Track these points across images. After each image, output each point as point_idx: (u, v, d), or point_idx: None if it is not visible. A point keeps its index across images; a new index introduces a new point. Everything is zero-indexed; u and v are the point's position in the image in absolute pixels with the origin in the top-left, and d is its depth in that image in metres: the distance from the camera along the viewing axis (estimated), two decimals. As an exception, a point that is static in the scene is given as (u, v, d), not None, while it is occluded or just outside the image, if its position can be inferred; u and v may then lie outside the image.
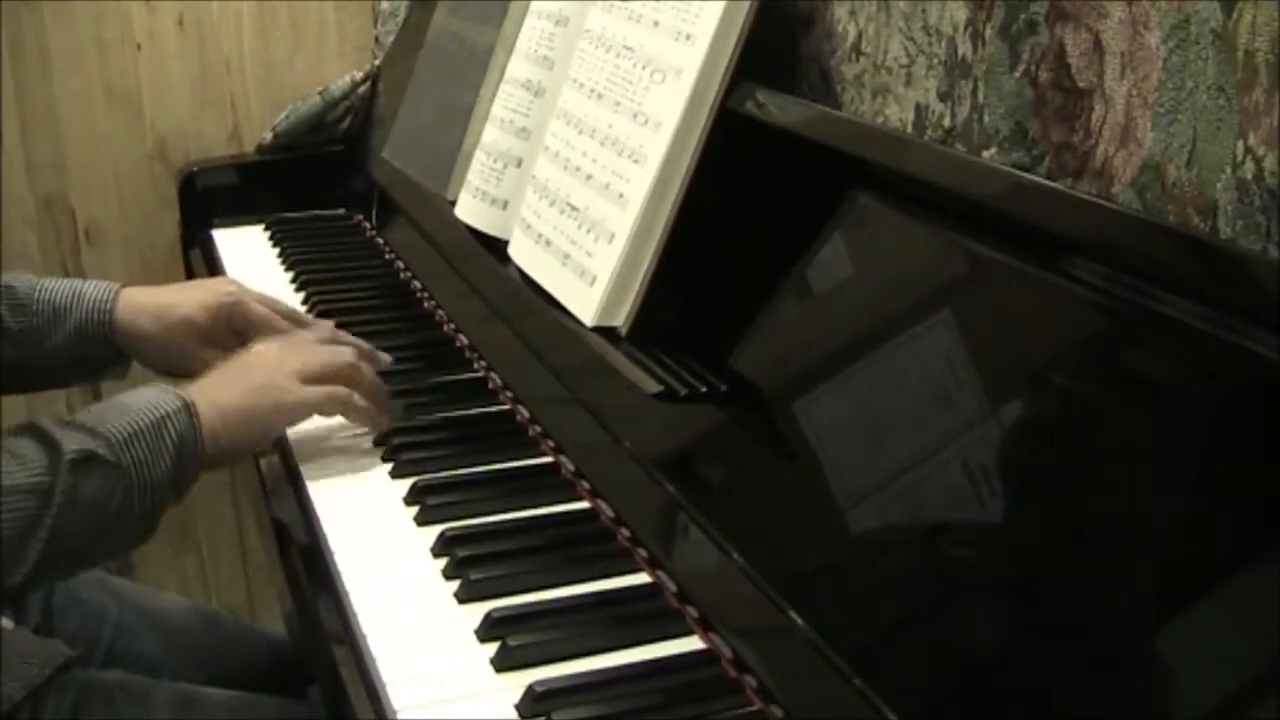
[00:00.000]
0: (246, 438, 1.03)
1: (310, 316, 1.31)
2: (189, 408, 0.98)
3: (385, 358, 1.16)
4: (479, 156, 1.34)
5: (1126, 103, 0.77)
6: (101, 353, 1.22)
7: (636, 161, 1.05)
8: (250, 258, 1.64)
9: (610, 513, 0.97)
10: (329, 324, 1.26)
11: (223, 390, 1.02)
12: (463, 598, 0.88)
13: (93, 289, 1.22)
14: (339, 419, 1.10)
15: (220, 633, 1.29)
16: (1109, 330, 0.69)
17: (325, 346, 1.11)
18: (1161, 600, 0.61)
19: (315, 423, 1.09)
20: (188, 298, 1.25)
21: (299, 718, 1.13)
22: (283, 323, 1.25)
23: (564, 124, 1.17)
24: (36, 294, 1.21)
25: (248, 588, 2.08)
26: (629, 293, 1.05)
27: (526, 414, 1.13)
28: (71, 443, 0.91)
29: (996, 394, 0.73)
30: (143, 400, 0.98)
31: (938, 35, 0.94)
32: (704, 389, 0.95)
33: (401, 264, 1.55)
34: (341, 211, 1.80)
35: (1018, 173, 0.83)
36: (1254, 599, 0.56)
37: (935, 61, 0.95)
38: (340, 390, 1.06)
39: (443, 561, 0.92)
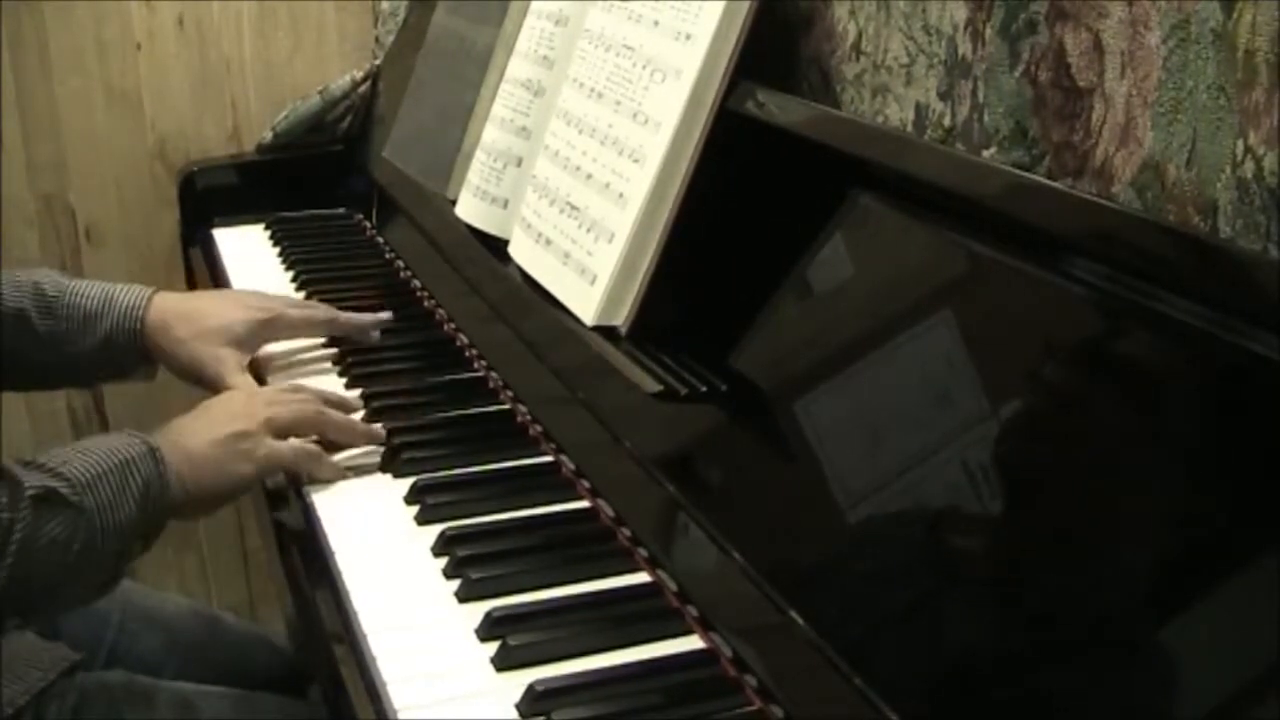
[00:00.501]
0: (217, 487, 1.00)
1: (343, 313, 1.30)
2: (154, 453, 0.96)
3: (380, 429, 1.11)
4: (479, 156, 1.34)
5: (1126, 102, 0.77)
6: (128, 358, 1.21)
7: (636, 161, 1.05)
8: (250, 257, 1.64)
9: (610, 512, 0.97)
10: (369, 319, 1.27)
11: (192, 438, 1.00)
12: (463, 597, 0.88)
13: (124, 294, 1.20)
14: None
15: (221, 633, 1.29)
16: (1109, 330, 0.69)
17: (294, 396, 1.09)
18: (1161, 599, 0.61)
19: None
20: (224, 309, 1.23)
21: (299, 717, 1.13)
22: (320, 314, 1.26)
23: (564, 123, 1.17)
24: (66, 297, 1.18)
25: (248, 588, 2.08)
26: (629, 292, 1.05)
27: (526, 414, 1.13)
28: (34, 480, 0.89)
29: (996, 393, 0.73)
30: (107, 444, 0.95)
31: (938, 35, 0.94)
32: (704, 389, 0.94)
33: (401, 263, 1.55)
34: (341, 211, 1.80)
35: (1018, 172, 0.83)
36: (1254, 598, 0.56)
37: (935, 61, 0.95)
38: (312, 448, 1.04)
39: (443, 561, 0.92)
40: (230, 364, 1.18)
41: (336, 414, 1.08)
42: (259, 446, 1.01)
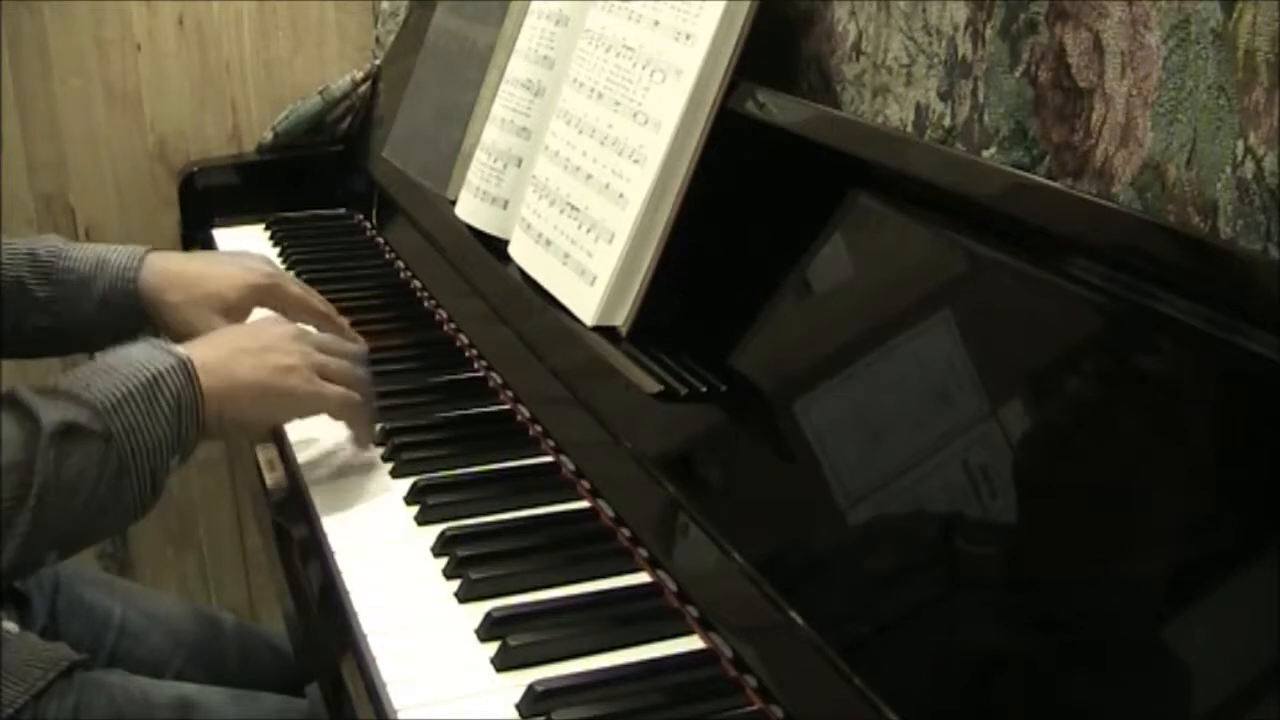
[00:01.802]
0: (256, 415, 0.99)
1: (337, 314, 1.27)
2: (185, 365, 0.92)
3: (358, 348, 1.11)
4: (479, 156, 1.34)
5: (1126, 102, 0.77)
6: (130, 318, 1.19)
7: (637, 161, 1.05)
8: (250, 258, 1.64)
9: (610, 513, 0.97)
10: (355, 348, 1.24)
11: (237, 360, 0.97)
12: (463, 597, 0.88)
13: (116, 255, 1.18)
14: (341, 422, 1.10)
15: (221, 634, 1.29)
16: (1109, 330, 0.69)
17: (343, 350, 1.07)
18: (1162, 599, 0.61)
19: (315, 422, 1.09)
20: (221, 271, 1.20)
21: (299, 717, 1.13)
22: (318, 304, 1.22)
23: (564, 124, 1.17)
24: (60, 261, 1.17)
25: (248, 588, 2.08)
26: (629, 292, 1.05)
27: (526, 414, 1.13)
28: (52, 413, 0.85)
29: (996, 394, 0.73)
30: (133, 359, 0.92)
31: (938, 35, 0.94)
32: (704, 389, 0.94)
33: (401, 264, 1.55)
34: (341, 211, 1.80)
35: (1018, 172, 0.83)
36: (1255, 598, 0.56)
37: (935, 61, 0.95)
38: (355, 396, 1.03)
39: (443, 561, 0.92)
40: (219, 327, 1.15)
41: (367, 378, 1.07)
42: (307, 384, 1.00)
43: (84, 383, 0.89)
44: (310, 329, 1.11)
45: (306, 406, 1.02)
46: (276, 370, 0.99)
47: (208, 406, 0.93)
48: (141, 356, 0.92)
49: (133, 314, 1.18)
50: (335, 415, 1.04)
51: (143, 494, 0.90)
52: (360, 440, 1.07)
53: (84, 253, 1.18)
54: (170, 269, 1.19)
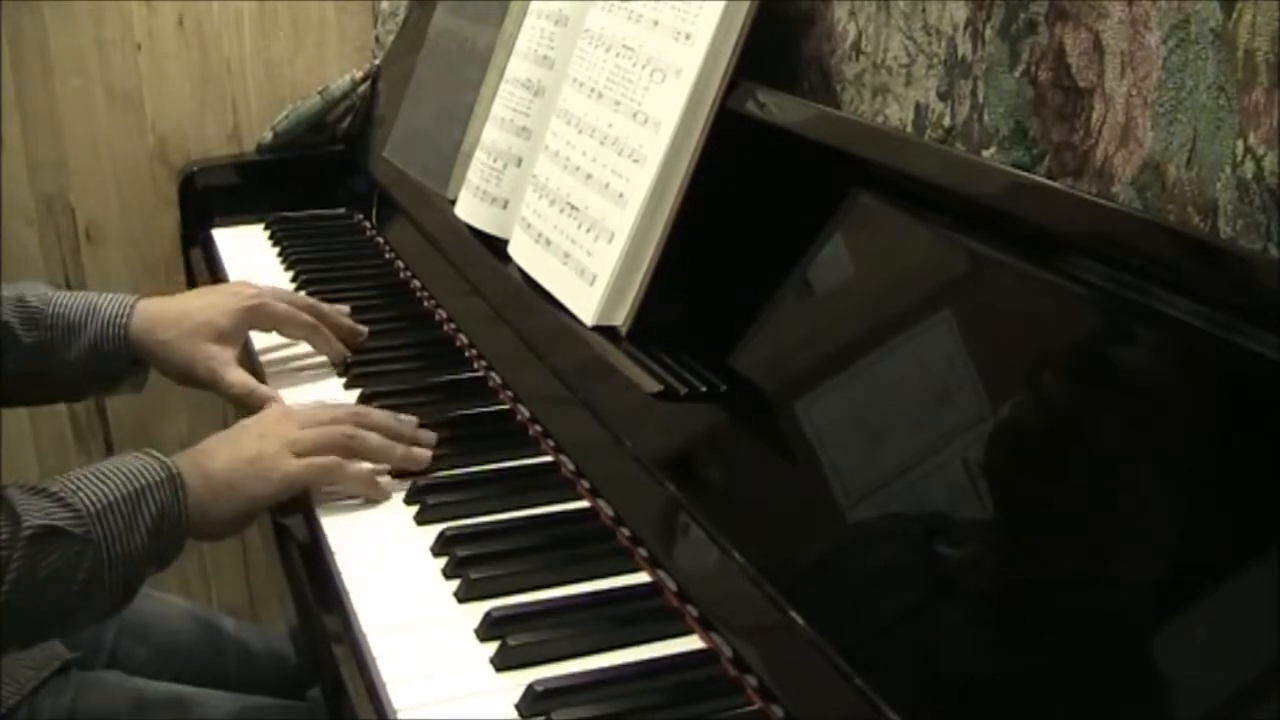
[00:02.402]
0: (232, 510, 0.98)
1: (328, 306, 1.29)
2: (173, 479, 0.94)
3: (424, 453, 1.05)
4: (479, 156, 1.34)
5: (1126, 102, 0.77)
6: (117, 366, 1.21)
7: (636, 161, 1.05)
8: (250, 257, 1.64)
9: (610, 512, 0.97)
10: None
11: (211, 459, 0.98)
12: (463, 597, 0.88)
13: (108, 302, 1.20)
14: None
15: (221, 635, 1.29)
16: (1109, 330, 0.69)
17: (325, 413, 1.05)
18: (1162, 600, 0.61)
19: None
20: (207, 303, 1.23)
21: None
22: (306, 317, 1.24)
23: (564, 123, 1.17)
24: (50, 308, 1.19)
25: (248, 588, 2.08)
26: (629, 292, 1.05)
27: (526, 414, 1.13)
28: (35, 515, 0.88)
29: (996, 393, 0.73)
30: (125, 468, 0.94)
31: (938, 35, 0.94)
32: (704, 389, 0.94)
33: (401, 263, 1.55)
34: (341, 211, 1.80)
35: (1018, 172, 0.83)
36: (1254, 598, 0.56)
37: (935, 61, 0.95)
38: (328, 461, 1.00)
39: (443, 561, 0.92)
40: (220, 360, 1.18)
41: (373, 438, 1.03)
42: (274, 469, 0.99)
43: (73, 486, 0.91)
44: (296, 409, 1.09)
45: (279, 489, 1.00)
46: (247, 461, 0.99)
47: (190, 513, 0.95)
48: (134, 465, 0.94)
49: (120, 360, 1.20)
50: (315, 487, 1.01)
51: (114, 597, 0.92)
52: (364, 491, 1.02)
53: (74, 300, 1.20)
54: (158, 311, 1.21)
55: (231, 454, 0.99)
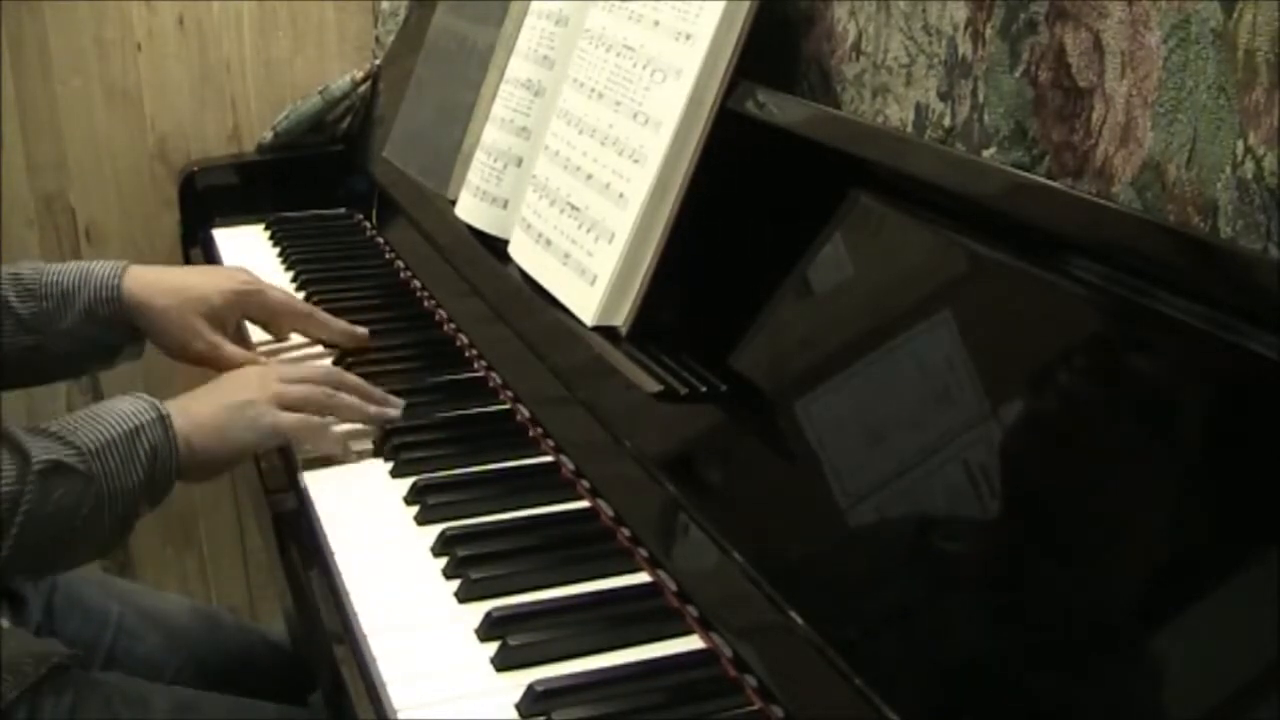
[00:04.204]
0: (220, 452, 1.03)
1: (323, 312, 1.31)
2: (164, 419, 0.98)
3: (394, 412, 1.13)
4: (479, 156, 1.34)
5: (1126, 102, 0.77)
6: (114, 332, 1.22)
7: (637, 161, 1.05)
8: (250, 257, 1.64)
9: (610, 512, 0.97)
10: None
11: (199, 403, 1.03)
12: (463, 597, 0.88)
13: (99, 266, 1.22)
14: (345, 424, 1.10)
15: (221, 634, 1.29)
16: (1109, 330, 0.69)
17: (307, 375, 1.11)
18: (1162, 599, 0.61)
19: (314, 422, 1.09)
20: (204, 280, 1.26)
21: (298, 720, 1.13)
22: (301, 305, 1.28)
23: (564, 123, 1.17)
24: (44, 277, 1.20)
25: (248, 588, 2.08)
26: (629, 292, 1.05)
27: (526, 414, 1.13)
28: (41, 451, 0.91)
29: (996, 393, 0.73)
30: (118, 410, 0.98)
31: (938, 35, 0.94)
32: (704, 389, 0.94)
33: (401, 263, 1.55)
34: (341, 211, 1.80)
35: (1018, 172, 0.83)
36: (1254, 598, 0.56)
37: (935, 61, 0.95)
38: (314, 420, 1.07)
39: (443, 561, 0.92)
40: (218, 338, 1.21)
41: (347, 398, 1.10)
42: (263, 416, 1.04)
43: (72, 427, 0.95)
44: (289, 365, 1.17)
45: (266, 436, 1.05)
46: (235, 407, 1.04)
47: (180, 452, 0.99)
48: (126, 407, 0.98)
49: (115, 325, 1.21)
50: (298, 441, 1.07)
51: (113, 531, 0.97)
52: (334, 455, 1.08)
53: (67, 268, 1.22)
54: (156, 278, 1.23)
55: (218, 400, 1.04)
